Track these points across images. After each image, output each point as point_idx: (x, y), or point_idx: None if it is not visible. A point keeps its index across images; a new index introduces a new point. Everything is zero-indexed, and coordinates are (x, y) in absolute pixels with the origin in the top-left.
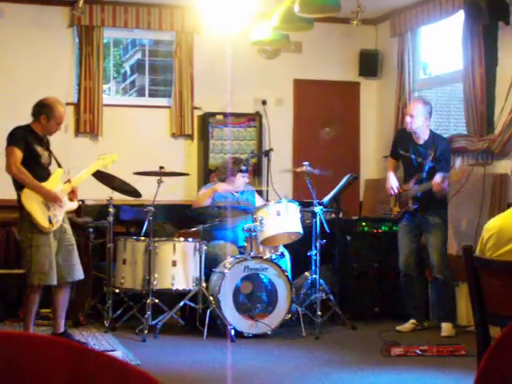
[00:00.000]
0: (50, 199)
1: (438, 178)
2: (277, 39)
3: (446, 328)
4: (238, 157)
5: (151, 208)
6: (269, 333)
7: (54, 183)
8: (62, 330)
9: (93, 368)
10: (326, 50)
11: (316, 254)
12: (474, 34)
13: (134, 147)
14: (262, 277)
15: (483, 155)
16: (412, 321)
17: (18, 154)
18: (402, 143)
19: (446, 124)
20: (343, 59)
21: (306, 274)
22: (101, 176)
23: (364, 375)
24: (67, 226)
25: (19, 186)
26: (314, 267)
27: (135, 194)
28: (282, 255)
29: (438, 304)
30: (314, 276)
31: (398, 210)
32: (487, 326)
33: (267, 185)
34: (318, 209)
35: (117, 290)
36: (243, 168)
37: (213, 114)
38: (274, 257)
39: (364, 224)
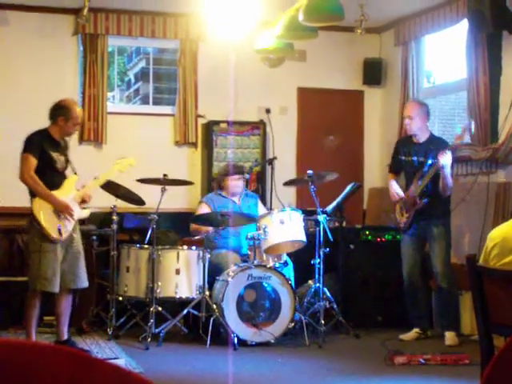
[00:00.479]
0: (61, 209)
1: (442, 151)
2: (281, 47)
3: (450, 337)
4: (232, 163)
5: (155, 216)
6: (272, 341)
7: (67, 191)
8: (65, 337)
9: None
10: (330, 59)
11: (319, 262)
12: (478, 43)
13: (138, 155)
14: (266, 285)
15: (487, 164)
16: (415, 329)
17: (32, 162)
18: (402, 151)
19: (450, 132)
20: (347, 68)
21: (310, 282)
22: (104, 184)
23: None
24: (76, 234)
25: (32, 193)
26: (317, 276)
27: (139, 201)
28: (286, 264)
29: (442, 313)
30: (318, 284)
31: (406, 218)
32: (491, 336)
33: (271, 193)
34: (321, 217)
35: (120, 298)
36: (230, 171)
37: (217, 123)
38: (277, 265)
39: (367, 233)
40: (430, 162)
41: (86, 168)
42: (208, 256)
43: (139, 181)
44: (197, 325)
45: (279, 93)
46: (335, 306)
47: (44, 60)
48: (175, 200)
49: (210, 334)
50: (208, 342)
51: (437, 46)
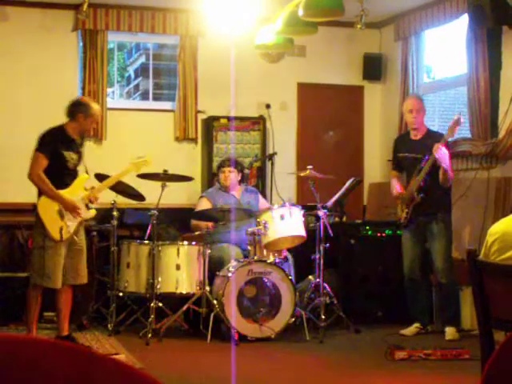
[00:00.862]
0: (69, 208)
1: (435, 145)
2: (280, 43)
3: (450, 332)
4: (227, 157)
5: (155, 212)
6: (272, 336)
7: (75, 190)
8: (65, 333)
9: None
10: (330, 54)
11: (320, 257)
12: (478, 38)
13: (138, 151)
14: (266, 280)
15: (487, 159)
16: (416, 324)
17: (43, 161)
18: (401, 148)
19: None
20: (347, 63)
21: (310, 277)
22: (104, 179)
23: (368, 379)
24: (80, 233)
25: (39, 191)
26: (317, 271)
27: (139, 197)
28: (286, 259)
29: (442, 308)
30: (318, 280)
31: (406, 213)
32: (491, 330)
33: (271, 188)
34: (321, 213)
35: (120, 294)
36: (222, 164)
37: (217, 118)
38: (277, 260)
39: (368, 228)
40: (426, 157)
41: (85, 163)
42: (208, 251)
43: (139, 176)
44: (197, 320)
45: (279, 88)
46: (335, 302)
47: (44, 56)
48: (175, 196)
49: (210, 329)
50: (208, 338)
51: (437, 41)
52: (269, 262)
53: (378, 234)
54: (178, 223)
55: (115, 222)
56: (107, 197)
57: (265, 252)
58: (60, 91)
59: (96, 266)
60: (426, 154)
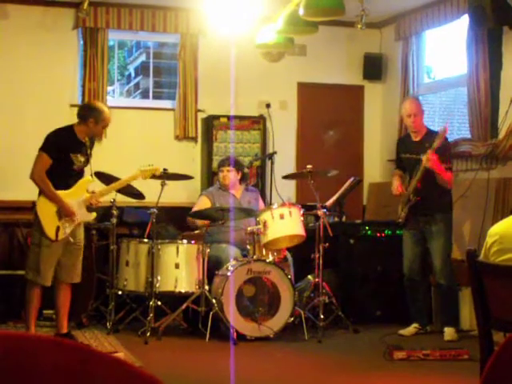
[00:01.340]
0: (64, 213)
1: (425, 154)
2: (281, 42)
3: (449, 332)
4: (227, 156)
5: (154, 210)
6: (271, 336)
7: (77, 192)
8: (64, 330)
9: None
10: (331, 54)
11: (319, 257)
12: (478, 39)
13: (138, 149)
14: (265, 280)
15: (487, 160)
16: (415, 325)
17: (46, 162)
18: (403, 149)
19: (449, 128)
20: (347, 63)
21: (309, 277)
22: (104, 178)
23: (366, 379)
24: (79, 232)
25: (40, 190)
26: (317, 271)
27: (139, 196)
28: (285, 258)
29: (441, 309)
30: (317, 279)
31: (404, 213)
32: (490, 331)
33: (271, 188)
34: (321, 212)
35: (119, 292)
36: (221, 163)
37: (217, 117)
38: (277, 260)
39: (367, 228)
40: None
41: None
42: (208, 250)
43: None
44: (196, 319)
45: (279, 87)
46: (334, 301)
47: (44, 54)
48: (175, 194)
49: (209, 328)
50: (207, 337)
51: (437, 42)
52: (268, 261)
53: (378, 234)
54: (177, 222)
55: (115, 221)
56: (107, 195)
57: (264, 251)
58: (60, 89)
59: (95, 264)
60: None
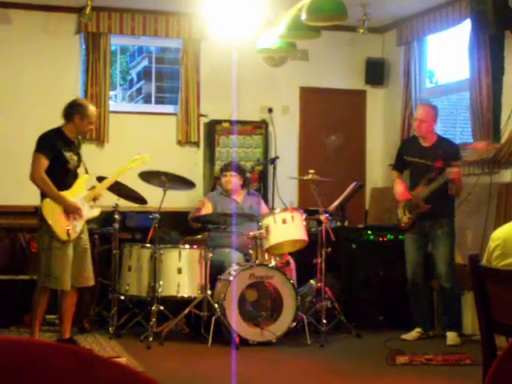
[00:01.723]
0: (70, 210)
1: (452, 167)
2: (283, 47)
3: (452, 337)
4: (230, 161)
5: (157, 215)
6: (274, 341)
7: (77, 190)
8: (67, 336)
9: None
10: (333, 58)
11: (321, 261)
12: (480, 43)
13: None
14: (268, 284)
15: (489, 164)
16: (417, 329)
17: (44, 162)
18: (407, 151)
19: (452, 132)
20: (349, 67)
21: (312, 281)
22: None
23: None
24: (84, 234)
25: (42, 193)
26: (319, 275)
27: (141, 200)
28: (288, 263)
29: (444, 313)
30: (320, 284)
31: (408, 219)
32: (493, 336)
33: (273, 192)
34: (323, 217)
35: (122, 297)
36: (224, 167)
37: (219, 122)
38: (279, 265)
39: (370, 232)
40: (439, 166)
41: (87, 166)
42: (210, 255)
43: (142, 179)
44: (198, 324)
45: (281, 92)
46: (337, 306)
47: (46, 58)
48: (177, 199)
49: (211, 333)
50: (210, 342)
51: (439, 46)
52: (270, 265)
53: (380, 239)
54: (179, 227)
55: (117, 225)
56: (109, 200)
57: (266, 256)
58: (63, 94)
59: (98, 268)
60: (436, 162)
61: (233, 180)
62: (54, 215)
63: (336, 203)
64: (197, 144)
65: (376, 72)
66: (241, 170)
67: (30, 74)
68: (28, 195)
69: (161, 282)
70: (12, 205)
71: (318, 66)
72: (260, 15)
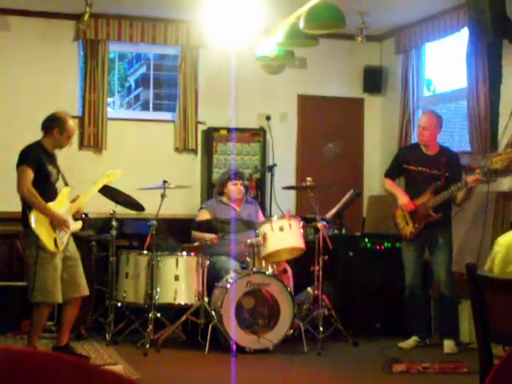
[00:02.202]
0: (58, 223)
1: (471, 176)
2: (281, 55)
3: (449, 345)
4: (234, 169)
5: (154, 222)
6: (270, 348)
7: (61, 203)
8: (64, 343)
9: None
10: (331, 66)
11: (318, 269)
12: (478, 52)
13: (138, 161)
14: (265, 292)
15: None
16: (414, 337)
17: (30, 175)
18: (408, 159)
19: (449, 141)
20: (347, 75)
21: (309, 289)
22: (104, 190)
23: None
24: (70, 244)
25: (28, 205)
26: (316, 283)
27: (138, 207)
28: (285, 270)
29: (442, 321)
30: (317, 292)
31: (414, 228)
32: (490, 344)
33: (270, 200)
34: (320, 224)
35: (119, 304)
36: (232, 176)
37: (217, 129)
38: (276, 272)
39: (367, 240)
40: (447, 175)
41: (85, 173)
42: (207, 262)
43: (139, 188)
44: (195, 331)
45: (279, 100)
46: (334, 314)
47: (45, 65)
48: (175, 206)
49: (208, 340)
50: (206, 349)
51: (437, 55)
52: (268, 273)
53: (377, 247)
54: (177, 234)
55: (114, 232)
56: (107, 207)
57: (264, 263)
58: (61, 100)
59: (95, 275)
60: (445, 172)
61: (242, 189)
62: (41, 227)
63: (333, 211)
64: (194, 151)
65: (374, 80)
66: (244, 178)
67: (29, 80)
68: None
69: (158, 289)
70: (9, 211)
71: (316, 74)
72: (258, 23)
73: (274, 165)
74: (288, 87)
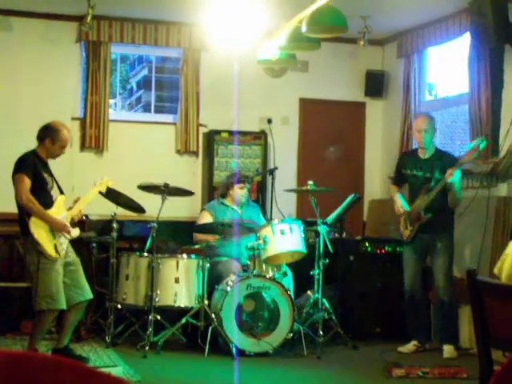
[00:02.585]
0: (57, 229)
1: (448, 171)
2: (283, 58)
3: (448, 350)
4: (239, 172)
5: (155, 224)
6: (270, 351)
7: (58, 210)
8: (63, 345)
9: None
10: (333, 70)
11: (319, 273)
12: (480, 57)
13: (139, 163)
14: (265, 295)
15: (488, 178)
16: (414, 342)
17: (27, 182)
18: (406, 165)
19: (450, 146)
20: (349, 79)
21: (309, 293)
22: (106, 192)
23: None
24: (70, 248)
25: (27, 212)
26: (316, 286)
27: (139, 210)
28: (285, 274)
29: (442, 326)
30: (317, 295)
31: (410, 231)
32: (490, 349)
33: (271, 203)
34: (321, 228)
35: (119, 306)
36: (237, 179)
37: (218, 132)
38: (276, 275)
39: (367, 244)
40: (437, 177)
41: (86, 175)
42: (208, 264)
43: (140, 188)
44: (195, 334)
45: (281, 103)
46: (334, 317)
47: (47, 66)
48: (176, 209)
49: (208, 343)
50: (206, 352)
51: (439, 59)
52: (268, 276)
53: (378, 251)
54: (177, 236)
55: (115, 234)
56: (107, 209)
57: (264, 267)
58: (62, 102)
59: (95, 277)
60: (437, 172)
61: (246, 192)
62: (41, 233)
63: (334, 215)
64: (196, 153)
65: (376, 84)
66: (248, 181)
67: (31, 81)
68: None
69: (158, 292)
70: (9, 212)
71: (317, 78)
72: (260, 26)
73: (275, 168)
74: (290, 90)
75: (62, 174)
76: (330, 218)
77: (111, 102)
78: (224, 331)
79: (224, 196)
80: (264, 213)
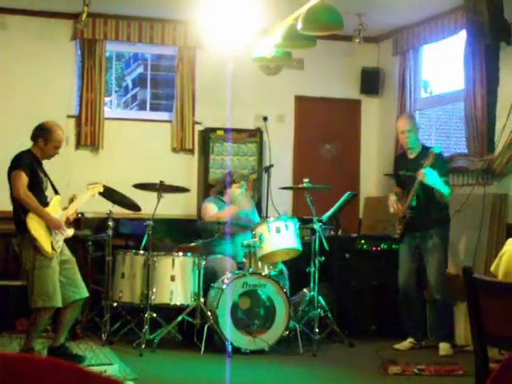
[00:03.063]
0: (54, 226)
1: (418, 172)
2: (279, 56)
3: (444, 347)
4: (235, 171)
5: (150, 222)
6: (266, 349)
7: (54, 210)
8: (59, 343)
9: None
10: (328, 68)
11: (315, 270)
12: (475, 54)
13: (135, 161)
14: (261, 293)
15: (483, 175)
16: (410, 339)
17: (25, 179)
18: (399, 166)
19: (446, 143)
20: (345, 77)
21: (305, 290)
22: (110, 192)
23: None
24: (65, 247)
25: (23, 209)
26: (312, 284)
27: (135, 207)
28: (281, 272)
29: (436, 324)
30: (313, 293)
31: (399, 230)
32: (485, 347)
33: (267, 201)
34: (317, 226)
35: (115, 304)
36: (235, 179)
37: (213, 130)
38: (272, 273)
39: (363, 242)
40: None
41: (82, 172)
42: (203, 263)
43: (135, 186)
44: (191, 332)
45: (277, 101)
46: (330, 315)
47: (42, 64)
48: (171, 206)
49: (204, 341)
50: (202, 349)
51: (435, 56)
52: (264, 274)
53: (373, 248)
54: (173, 234)
55: (111, 232)
56: (103, 206)
57: (260, 264)
58: (58, 100)
59: (91, 275)
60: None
61: (242, 190)
62: (39, 229)
63: (330, 212)
64: (191, 151)
65: (371, 81)
66: (245, 180)
67: (25, 79)
68: None
69: (154, 290)
70: (4, 210)
71: (313, 75)
72: (256, 24)
73: (271, 165)
74: (285, 88)
75: (57, 171)
76: (326, 215)
77: (107, 99)
78: (220, 329)
79: (221, 193)
80: (260, 211)
